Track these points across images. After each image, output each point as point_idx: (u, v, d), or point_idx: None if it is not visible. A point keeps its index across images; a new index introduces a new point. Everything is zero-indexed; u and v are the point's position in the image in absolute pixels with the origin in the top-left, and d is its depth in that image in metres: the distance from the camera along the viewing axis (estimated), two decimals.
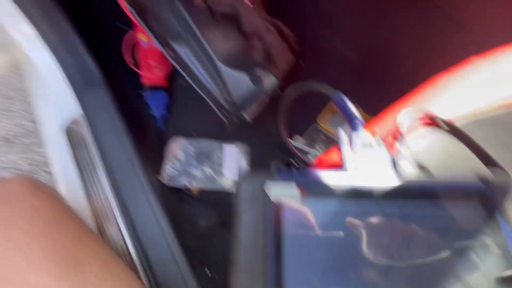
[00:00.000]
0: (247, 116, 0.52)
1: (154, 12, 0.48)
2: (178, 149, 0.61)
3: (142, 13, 0.48)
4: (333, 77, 0.80)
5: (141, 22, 0.47)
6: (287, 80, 0.63)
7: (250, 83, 0.49)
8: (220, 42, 0.49)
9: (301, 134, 0.67)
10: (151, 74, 0.67)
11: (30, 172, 0.96)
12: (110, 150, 0.53)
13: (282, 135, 0.54)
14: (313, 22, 0.82)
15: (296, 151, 0.57)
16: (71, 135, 0.55)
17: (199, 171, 0.60)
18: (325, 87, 0.38)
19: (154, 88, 0.67)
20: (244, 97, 0.50)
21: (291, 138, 0.67)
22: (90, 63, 0.52)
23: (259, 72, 0.49)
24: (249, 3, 0.61)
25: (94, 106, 0.53)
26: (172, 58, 0.48)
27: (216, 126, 0.69)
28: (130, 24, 0.71)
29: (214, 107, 0.52)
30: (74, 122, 0.55)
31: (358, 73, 0.79)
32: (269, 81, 0.49)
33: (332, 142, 0.68)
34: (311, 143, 0.67)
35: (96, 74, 0.53)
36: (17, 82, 1.02)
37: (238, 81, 0.49)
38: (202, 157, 0.61)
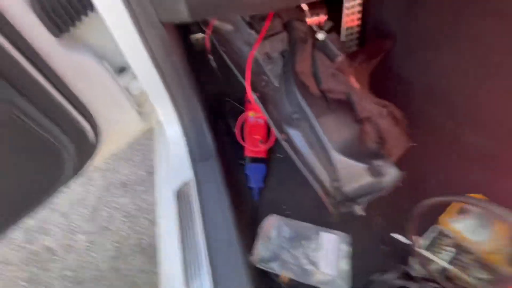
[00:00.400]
0: (360, 210, 0.46)
1: (273, 98, 0.52)
2: (272, 228, 0.58)
3: (262, 98, 0.52)
4: (456, 166, 0.68)
5: (262, 107, 0.51)
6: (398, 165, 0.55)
7: (368, 176, 0.44)
8: (334, 129, 0.48)
9: (419, 235, 0.55)
10: (254, 147, 0.70)
11: (134, 216, 1.09)
12: (212, 218, 0.54)
13: (413, 249, 0.45)
14: (425, 101, 0.75)
15: (424, 261, 0.45)
16: (180, 195, 0.59)
17: (292, 257, 0.54)
18: (493, 206, 0.30)
19: (254, 160, 0.70)
20: (360, 190, 0.45)
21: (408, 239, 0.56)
22: (208, 139, 0.58)
23: (379, 164, 0.44)
24: (356, 84, 0.61)
25: (205, 176, 0.57)
26: (284, 140, 0.49)
27: (313, 208, 0.64)
28: (242, 102, 0.79)
29: (322, 195, 0.48)
30: (185, 184, 0.60)
31: (488, 162, 0.64)
32: (391, 175, 0.44)
33: (462, 250, 0.53)
34: (432, 248, 0.54)
35: (211, 149, 0.58)
36: (143, 138, 1.27)
37: (354, 172, 0.45)
38: (297, 242, 0.56)
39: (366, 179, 0.44)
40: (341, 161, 0.47)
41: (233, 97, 0.82)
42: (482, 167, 0.65)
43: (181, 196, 0.59)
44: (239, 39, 0.55)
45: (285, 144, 0.50)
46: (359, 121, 0.52)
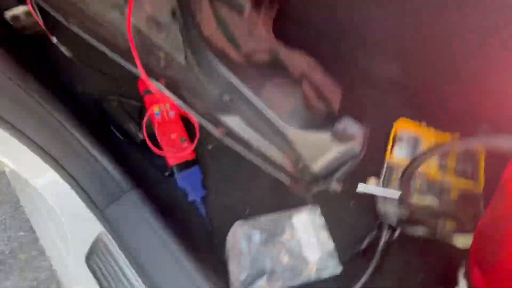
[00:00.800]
0: (337, 186, 0.39)
1: (186, 81, 0.36)
2: (240, 240, 0.46)
3: (171, 85, 0.35)
4: (381, 102, 0.70)
5: (176, 99, 0.34)
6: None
7: (336, 144, 0.37)
8: (278, 100, 0.37)
9: (375, 175, 0.55)
10: (175, 150, 0.53)
11: None
12: (155, 270, 0.38)
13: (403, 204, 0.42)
14: (332, 38, 0.72)
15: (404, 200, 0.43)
16: (93, 260, 0.40)
17: (276, 262, 0.45)
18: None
19: (183, 166, 0.54)
20: (331, 163, 0.38)
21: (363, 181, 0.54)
22: (112, 171, 0.39)
23: (342, 126, 0.37)
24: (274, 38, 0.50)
25: (124, 220, 0.39)
26: (225, 135, 0.36)
27: (271, 191, 0.55)
28: (135, 96, 0.58)
29: (288, 182, 0.39)
30: (95, 243, 0.40)
31: (407, 90, 0.68)
32: (358, 134, 0.38)
33: (412, 179, 0.56)
34: (390, 184, 0.54)
35: (120, 182, 0.39)
36: (3, 186, 0.86)
37: (318, 145, 0.37)
38: (272, 241, 0.47)
39: (334, 149, 0.37)
40: (299, 136, 0.37)
41: (120, 93, 0.59)
42: (395, 94, 0.69)
43: (95, 262, 0.40)
44: (97, 2, 0.34)
45: (227, 140, 0.36)
46: (296, 81, 0.43)
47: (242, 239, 0.47)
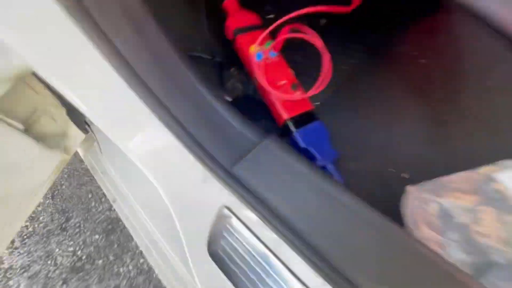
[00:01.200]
0: None
1: None
2: (427, 216, 0.29)
3: None
4: None
5: None
6: None
7: None
8: None
9: None
10: (288, 98, 0.38)
11: None
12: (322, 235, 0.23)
13: None
14: None
15: None
16: (218, 245, 0.27)
17: (499, 246, 0.27)
18: None
19: (300, 120, 0.38)
20: None
21: None
22: (237, 118, 0.25)
23: None
24: None
25: (261, 177, 0.25)
26: None
27: (424, 143, 0.38)
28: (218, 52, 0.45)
29: None
30: (221, 219, 0.26)
31: None
32: None
33: None
34: None
35: (244, 130, 0.25)
36: (67, 188, 0.79)
37: None
38: (481, 216, 0.29)
39: None
40: None
41: (200, 48, 0.46)
42: None
43: (220, 247, 0.26)
44: None
45: None
46: None
47: (431, 214, 0.29)
